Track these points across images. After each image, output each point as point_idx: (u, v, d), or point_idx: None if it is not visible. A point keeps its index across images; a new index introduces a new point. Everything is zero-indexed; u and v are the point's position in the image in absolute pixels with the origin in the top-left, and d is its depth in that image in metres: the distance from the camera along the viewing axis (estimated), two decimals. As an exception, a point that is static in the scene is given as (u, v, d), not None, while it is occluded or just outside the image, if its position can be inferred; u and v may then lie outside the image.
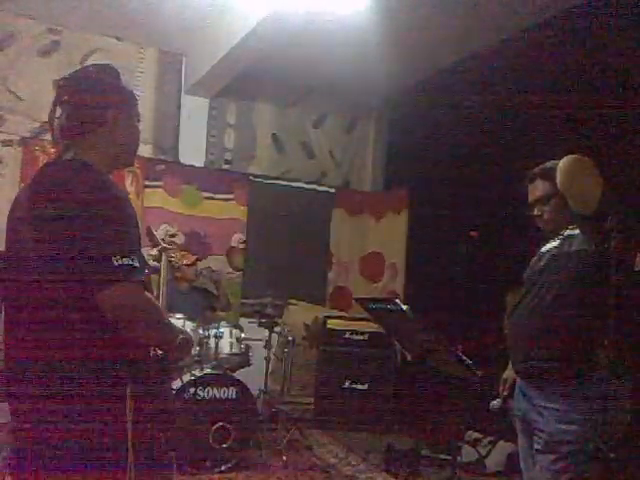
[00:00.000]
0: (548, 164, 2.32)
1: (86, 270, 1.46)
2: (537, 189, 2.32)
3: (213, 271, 5.69)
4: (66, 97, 1.69)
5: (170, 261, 4.11)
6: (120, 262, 1.47)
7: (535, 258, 2.35)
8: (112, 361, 1.51)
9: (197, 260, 5.20)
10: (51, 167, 1.65)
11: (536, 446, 2.20)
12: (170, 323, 1.69)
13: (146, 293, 1.54)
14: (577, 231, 2.17)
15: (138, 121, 1.79)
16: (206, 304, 5.04)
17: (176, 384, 3.87)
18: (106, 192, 1.54)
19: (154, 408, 1.57)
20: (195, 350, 4.12)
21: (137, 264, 1.49)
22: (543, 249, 2.32)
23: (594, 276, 2.09)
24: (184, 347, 1.69)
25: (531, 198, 2.36)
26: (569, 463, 2.09)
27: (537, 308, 2.22)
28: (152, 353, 1.63)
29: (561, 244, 2.23)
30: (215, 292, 5.21)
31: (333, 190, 6.65)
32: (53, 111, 1.69)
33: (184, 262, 5.03)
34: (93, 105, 1.70)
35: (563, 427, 2.10)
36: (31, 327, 1.52)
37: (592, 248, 2.08)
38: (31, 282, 1.51)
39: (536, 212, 2.34)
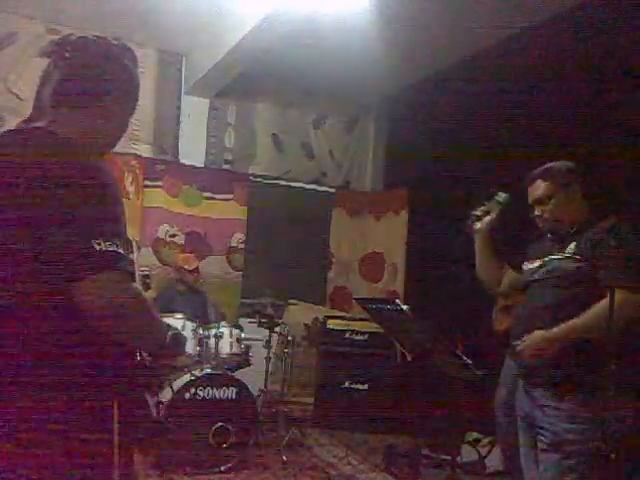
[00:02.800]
0: (548, 165, 2.35)
1: (60, 256, 1.20)
2: (537, 189, 2.34)
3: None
4: (68, 55, 1.36)
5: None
6: (103, 247, 1.21)
7: (538, 263, 2.35)
8: (94, 370, 1.27)
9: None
10: (20, 135, 1.34)
11: (541, 445, 2.20)
12: (160, 320, 1.43)
13: (135, 285, 1.30)
14: (580, 235, 2.20)
15: (130, 116, 1.50)
16: (204, 308, 5.05)
17: (176, 384, 3.87)
18: (88, 166, 1.27)
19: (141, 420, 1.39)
20: (195, 350, 4.13)
21: (122, 250, 1.25)
22: (549, 257, 2.31)
23: (595, 279, 2.10)
24: (176, 345, 1.45)
25: (531, 199, 2.38)
26: (574, 462, 2.09)
27: (543, 311, 2.23)
28: (138, 358, 1.43)
29: (567, 249, 2.24)
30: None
31: (333, 190, 6.66)
32: (48, 71, 1.36)
33: (186, 267, 5.04)
34: (100, 73, 1.38)
35: (569, 426, 2.11)
36: None
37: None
38: None
39: (537, 212, 2.35)
